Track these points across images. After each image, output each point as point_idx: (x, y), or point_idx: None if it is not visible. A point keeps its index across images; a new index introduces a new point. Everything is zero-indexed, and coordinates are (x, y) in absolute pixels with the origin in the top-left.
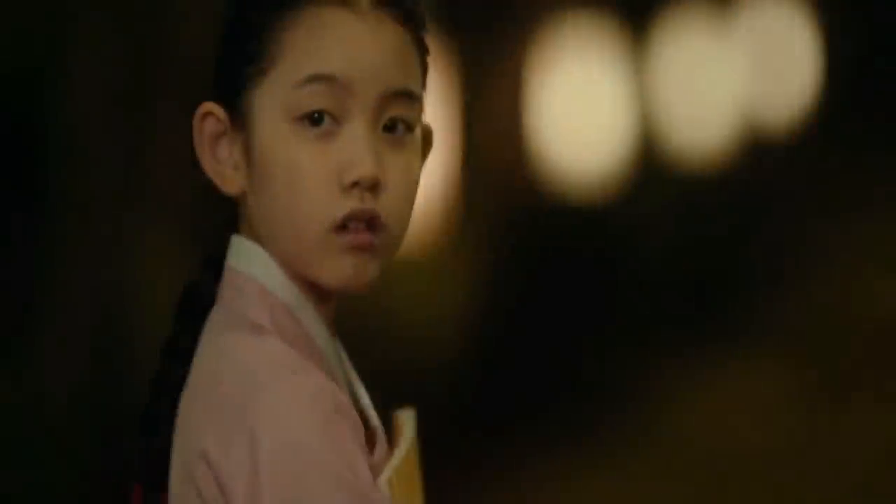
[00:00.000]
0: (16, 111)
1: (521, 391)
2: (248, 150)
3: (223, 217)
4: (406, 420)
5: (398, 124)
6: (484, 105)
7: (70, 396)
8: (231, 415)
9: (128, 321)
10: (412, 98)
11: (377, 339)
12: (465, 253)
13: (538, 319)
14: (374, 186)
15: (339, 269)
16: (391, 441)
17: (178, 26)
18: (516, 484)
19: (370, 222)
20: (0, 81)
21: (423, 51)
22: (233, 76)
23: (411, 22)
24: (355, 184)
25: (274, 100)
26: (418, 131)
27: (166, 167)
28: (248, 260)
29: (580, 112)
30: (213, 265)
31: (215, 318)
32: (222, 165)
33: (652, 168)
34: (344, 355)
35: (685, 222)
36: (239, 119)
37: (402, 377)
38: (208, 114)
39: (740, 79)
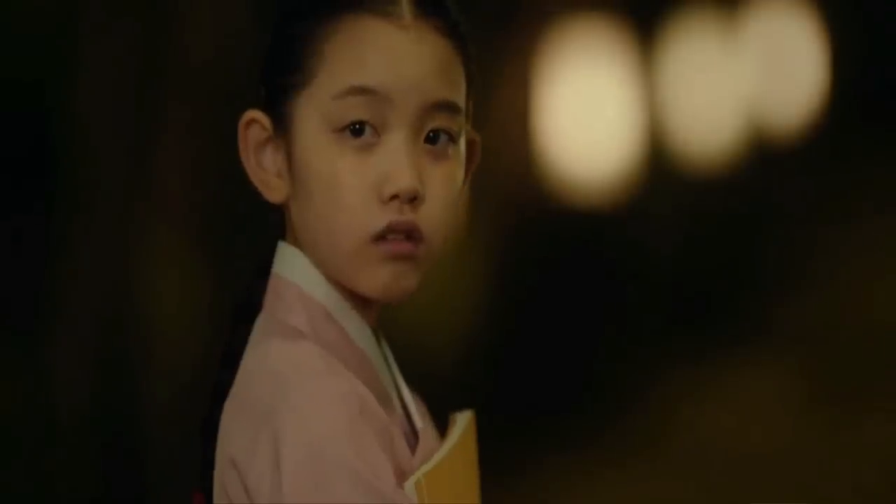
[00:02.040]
0: (25, 114)
1: (530, 394)
2: (289, 159)
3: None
4: (457, 422)
5: (440, 136)
6: (491, 108)
7: (76, 399)
8: (258, 419)
9: (135, 324)
10: (454, 109)
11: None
12: (473, 256)
13: (546, 323)
14: (413, 199)
15: (377, 278)
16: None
17: (187, 30)
18: (525, 484)
19: (409, 233)
20: (9, 84)
21: (468, 61)
22: (276, 85)
23: (455, 33)
24: (394, 196)
25: (315, 110)
26: (462, 142)
27: (174, 170)
28: (289, 266)
29: (588, 115)
30: (264, 272)
31: (259, 324)
32: (266, 173)
33: (660, 171)
34: (391, 358)
35: (693, 226)
36: (282, 127)
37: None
38: (252, 121)
39: (749, 83)
